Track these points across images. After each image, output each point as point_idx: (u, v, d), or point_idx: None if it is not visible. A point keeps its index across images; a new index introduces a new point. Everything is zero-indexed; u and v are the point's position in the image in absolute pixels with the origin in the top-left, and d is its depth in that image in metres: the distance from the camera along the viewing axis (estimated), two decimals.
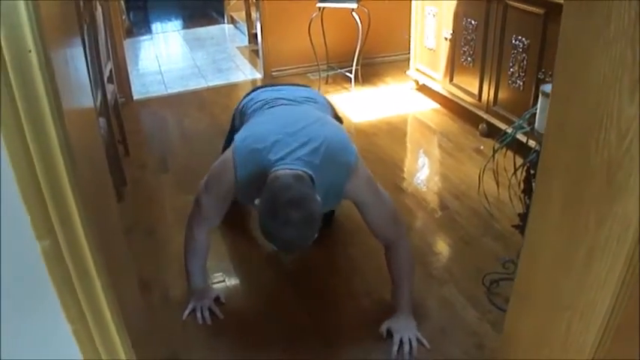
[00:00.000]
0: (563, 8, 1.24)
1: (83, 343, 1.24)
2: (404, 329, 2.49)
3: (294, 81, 5.74)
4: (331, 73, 5.95)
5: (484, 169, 2.87)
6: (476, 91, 4.44)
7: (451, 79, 4.81)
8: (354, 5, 5.23)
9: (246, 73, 6.51)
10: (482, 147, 4.27)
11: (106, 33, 4.08)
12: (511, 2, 3.86)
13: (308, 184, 2.18)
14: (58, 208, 1.08)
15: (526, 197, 2.49)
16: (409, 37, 5.41)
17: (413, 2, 5.24)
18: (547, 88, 2.15)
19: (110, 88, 3.92)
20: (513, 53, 3.91)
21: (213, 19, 9.33)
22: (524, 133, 2.72)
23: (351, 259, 3.09)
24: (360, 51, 5.52)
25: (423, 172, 4.16)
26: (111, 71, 4.14)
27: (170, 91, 6.01)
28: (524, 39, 3.78)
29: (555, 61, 1.30)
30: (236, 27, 8.53)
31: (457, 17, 4.54)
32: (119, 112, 4.26)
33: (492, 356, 2.37)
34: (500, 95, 4.18)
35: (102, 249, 1.21)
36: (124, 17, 8.04)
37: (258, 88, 2.98)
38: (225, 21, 8.93)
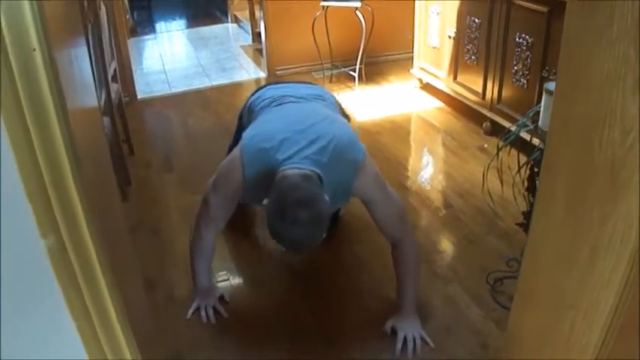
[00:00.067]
0: (567, 7, 1.24)
1: (87, 340, 1.24)
2: (408, 327, 2.49)
3: (296, 80, 5.76)
4: (335, 71, 5.95)
5: (488, 168, 2.87)
6: (480, 90, 4.44)
7: (455, 78, 4.81)
8: (358, 4, 5.23)
9: (250, 72, 6.51)
10: (486, 145, 4.26)
11: (110, 32, 4.08)
12: (515, 0, 3.86)
13: (316, 184, 2.18)
14: (63, 205, 1.08)
15: (530, 195, 2.49)
16: (413, 35, 5.40)
17: (417, 1, 5.23)
18: (551, 86, 2.15)
19: (114, 87, 3.92)
20: (517, 51, 3.90)
21: (216, 18, 9.33)
22: (528, 131, 2.71)
23: (357, 258, 3.09)
24: (363, 49, 5.52)
25: (427, 170, 4.16)
26: (115, 70, 4.14)
27: (174, 90, 6.01)
28: (528, 37, 3.78)
29: (559, 60, 1.30)
30: (240, 26, 8.53)
31: (461, 15, 4.53)
32: (123, 112, 4.26)
33: (496, 355, 2.37)
34: (504, 93, 4.17)
35: (106, 247, 1.21)
36: (127, 17, 8.05)
37: (266, 85, 2.97)
38: (229, 20, 8.94)
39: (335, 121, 2.54)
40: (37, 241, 1.09)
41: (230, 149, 2.80)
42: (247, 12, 7.62)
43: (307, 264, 3.09)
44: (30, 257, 1.11)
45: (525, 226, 2.48)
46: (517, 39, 3.88)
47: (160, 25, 9.44)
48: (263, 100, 2.76)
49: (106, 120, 3.48)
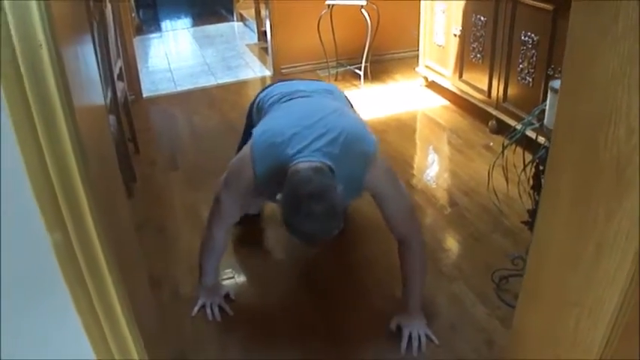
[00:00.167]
0: (572, 5, 1.24)
1: (93, 336, 1.25)
2: (413, 325, 2.49)
3: (304, 78, 5.77)
4: (340, 70, 5.95)
5: (493, 166, 2.87)
6: (485, 88, 4.44)
7: (460, 76, 4.80)
8: (363, 2, 5.23)
9: (255, 70, 6.52)
10: (491, 143, 4.26)
11: (116, 31, 4.09)
12: None
13: (328, 176, 2.18)
14: (69, 202, 1.09)
15: (535, 193, 2.49)
16: (418, 33, 5.40)
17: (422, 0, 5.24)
18: (556, 84, 2.15)
19: (120, 85, 3.93)
20: (523, 49, 3.90)
21: (222, 16, 9.34)
22: (534, 130, 2.71)
23: (362, 256, 3.09)
24: (369, 48, 5.52)
25: (432, 168, 4.16)
26: (121, 69, 4.16)
27: (180, 88, 6.03)
28: (533, 35, 3.77)
29: (564, 58, 1.30)
30: (245, 24, 8.54)
31: (466, 14, 4.53)
32: (129, 110, 4.27)
33: (501, 352, 2.36)
34: (510, 92, 4.17)
35: (112, 243, 1.22)
36: (133, 15, 8.06)
37: (274, 83, 2.97)
38: (235, 19, 8.94)
39: (344, 114, 2.53)
40: (44, 237, 1.10)
41: (239, 148, 2.80)
42: (253, 10, 7.62)
43: (312, 262, 3.09)
44: (36, 253, 1.11)
45: (531, 225, 2.48)
46: (522, 37, 3.87)
47: (166, 24, 9.46)
48: (272, 97, 2.75)
49: (112, 118, 3.49)
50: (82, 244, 1.13)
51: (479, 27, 4.37)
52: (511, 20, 3.98)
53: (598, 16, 1.15)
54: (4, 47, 0.94)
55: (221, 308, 2.71)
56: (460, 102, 4.97)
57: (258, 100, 2.88)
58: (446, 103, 5.15)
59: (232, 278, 2.97)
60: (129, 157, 3.90)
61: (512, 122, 3.91)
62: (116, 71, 3.81)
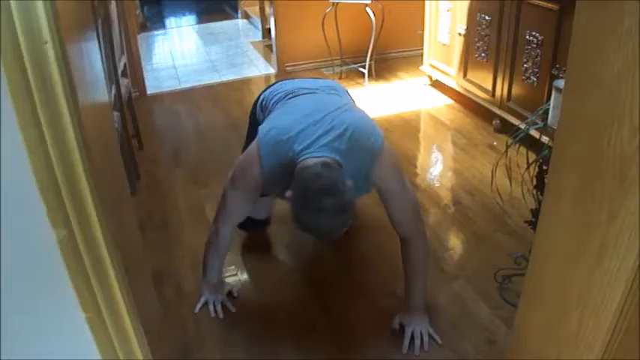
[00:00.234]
0: (577, 3, 1.24)
1: (97, 331, 1.25)
2: (416, 323, 2.49)
3: (308, 76, 5.77)
4: (345, 68, 5.95)
5: (497, 165, 2.87)
6: (489, 87, 4.43)
7: (465, 75, 4.80)
8: (368, 0, 5.23)
9: (259, 68, 6.52)
10: (495, 143, 4.26)
11: (120, 27, 4.10)
12: None
13: (337, 171, 2.18)
14: (74, 199, 1.09)
15: (538, 193, 2.49)
16: (423, 32, 5.39)
17: None
18: (560, 83, 2.14)
19: (124, 82, 3.94)
20: (527, 49, 3.90)
21: (227, 14, 9.34)
22: (538, 129, 2.71)
23: (364, 255, 3.09)
24: (373, 46, 5.52)
25: (436, 167, 4.16)
26: (125, 65, 4.16)
27: (184, 85, 6.03)
28: (538, 34, 3.77)
29: (568, 56, 1.30)
30: (250, 22, 8.54)
31: (471, 13, 4.53)
32: (133, 107, 4.28)
33: (504, 352, 2.36)
34: (514, 91, 4.17)
35: (116, 239, 1.22)
36: (138, 12, 8.07)
37: (277, 82, 2.96)
38: (239, 16, 8.94)
39: (350, 109, 2.53)
40: (49, 233, 1.10)
41: (244, 148, 2.80)
42: (257, 8, 7.63)
43: (315, 260, 3.10)
44: (41, 249, 1.12)
45: (534, 224, 2.48)
46: (527, 36, 3.87)
47: (170, 21, 9.46)
48: (276, 95, 2.74)
49: (116, 115, 3.50)
50: (86, 241, 1.14)
51: (484, 26, 4.36)
52: (516, 19, 3.98)
53: (602, 15, 1.15)
54: (10, 44, 0.95)
55: (224, 305, 2.72)
56: (464, 101, 4.97)
57: (261, 98, 2.87)
58: (450, 102, 5.15)
59: (235, 275, 2.97)
60: (132, 153, 3.91)
61: (516, 122, 3.91)
62: (120, 68, 3.81)
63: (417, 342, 2.45)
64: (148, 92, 5.74)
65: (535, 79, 3.87)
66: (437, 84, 5.44)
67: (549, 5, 3.61)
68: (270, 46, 6.69)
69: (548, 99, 2.45)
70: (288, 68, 6.14)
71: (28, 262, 1.13)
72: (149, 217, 3.49)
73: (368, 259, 3.05)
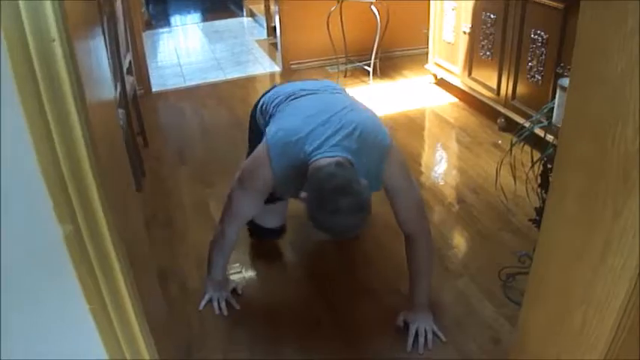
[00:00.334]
0: (580, 3, 1.24)
1: (101, 325, 1.26)
2: (420, 321, 2.49)
3: (312, 75, 5.78)
4: (350, 66, 5.95)
5: (501, 164, 2.87)
6: (494, 86, 4.43)
7: (470, 73, 4.80)
8: None
9: (264, 66, 6.52)
10: (500, 141, 4.26)
11: (126, 25, 4.10)
12: None
13: (350, 169, 2.18)
14: (80, 194, 1.10)
15: (543, 192, 2.49)
16: (428, 30, 5.39)
17: None
18: (565, 82, 2.14)
19: (129, 79, 3.94)
20: (532, 47, 3.90)
21: (232, 12, 9.34)
22: (542, 128, 2.71)
23: (368, 252, 3.10)
24: (378, 44, 5.52)
25: (440, 165, 4.16)
26: (130, 63, 4.17)
27: (189, 83, 6.04)
28: (543, 33, 3.77)
29: (573, 55, 1.30)
30: (255, 20, 8.54)
31: (476, 11, 4.52)
32: (138, 104, 4.29)
33: (507, 350, 2.37)
34: (519, 89, 4.17)
35: (122, 235, 1.23)
36: (143, 10, 8.08)
37: (273, 87, 2.93)
38: (244, 14, 8.94)
39: (356, 108, 2.52)
40: (55, 228, 1.11)
41: (249, 154, 2.81)
42: (262, 6, 7.63)
43: (319, 258, 3.11)
44: (48, 244, 1.12)
45: (538, 223, 2.48)
46: (532, 35, 3.87)
47: (175, 19, 9.46)
48: (277, 98, 2.72)
49: (121, 112, 3.50)
50: (92, 236, 1.14)
51: (488, 24, 4.36)
52: (521, 18, 3.97)
53: (607, 14, 1.15)
54: (18, 41, 0.95)
55: (228, 302, 2.73)
56: (469, 99, 4.96)
57: (261, 103, 2.85)
58: (455, 100, 5.15)
59: (240, 273, 2.98)
60: (138, 151, 3.92)
61: (520, 120, 3.91)
62: (125, 65, 3.82)
63: (421, 340, 2.45)
64: (153, 90, 5.75)
65: (540, 78, 3.87)
66: (442, 82, 5.44)
67: (554, 4, 3.61)
68: (275, 44, 6.69)
69: (553, 97, 2.45)
70: (293, 66, 6.14)
71: (35, 256, 1.14)
72: (154, 215, 3.50)
73: (371, 258, 3.06)
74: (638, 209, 1.14)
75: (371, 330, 2.58)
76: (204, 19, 9.28)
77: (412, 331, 2.47)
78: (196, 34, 8.29)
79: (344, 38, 5.73)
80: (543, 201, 2.45)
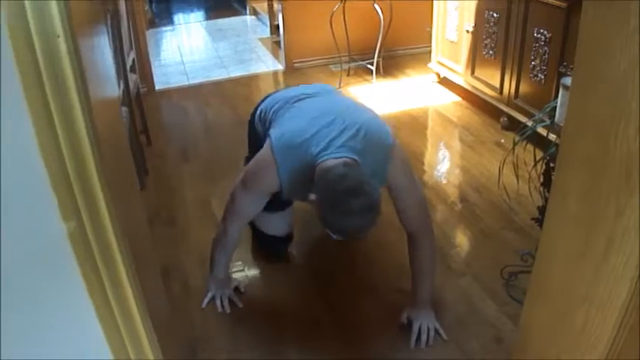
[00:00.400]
0: (583, 3, 1.25)
1: (105, 322, 1.26)
2: (423, 318, 2.50)
3: (315, 73, 5.79)
4: (353, 65, 5.95)
5: (504, 163, 2.87)
6: (497, 84, 4.43)
7: (472, 72, 4.80)
8: None
9: (267, 64, 6.52)
10: (502, 140, 4.26)
11: (129, 23, 4.11)
12: None
13: (359, 169, 2.18)
14: (84, 191, 1.10)
15: (545, 190, 2.49)
16: (431, 29, 5.39)
17: None
18: (568, 81, 2.14)
19: (132, 77, 3.95)
20: (535, 46, 3.89)
21: (235, 10, 9.35)
22: (545, 127, 2.71)
23: (371, 250, 3.10)
24: (381, 43, 5.52)
25: (443, 164, 4.16)
26: (133, 61, 4.17)
27: (192, 81, 6.04)
28: (546, 32, 3.76)
29: (576, 54, 1.30)
30: (258, 18, 8.55)
31: (479, 10, 4.52)
32: (141, 102, 4.29)
33: (510, 348, 2.37)
34: (522, 88, 4.16)
35: (126, 232, 1.23)
36: (146, 8, 8.09)
37: (272, 93, 2.92)
38: (247, 12, 8.95)
39: (357, 109, 2.53)
40: (59, 225, 1.11)
41: (247, 159, 2.81)
42: (265, 4, 7.64)
43: (321, 256, 3.10)
44: (51, 241, 1.13)
45: (540, 221, 2.48)
46: (535, 34, 3.87)
47: (178, 17, 9.48)
48: (275, 104, 2.71)
49: (124, 110, 3.51)
50: (96, 233, 1.15)
51: (491, 23, 4.36)
52: (524, 17, 3.97)
53: (609, 14, 1.15)
54: (23, 37, 0.95)
55: (231, 300, 2.73)
56: (472, 98, 4.96)
57: (259, 111, 2.84)
58: (457, 99, 5.15)
59: (243, 271, 2.98)
60: (141, 149, 3.92)
61: (523, 119, 3.91)
62: (129, 63, 3.82)
63: (424, 337, 2.46)
64: (156, 88, 5.76)
65: (543, 77, 3.87)
66: (444, 81, 5.44)
67: (557, 3, 3.61)
68: (278, 43, 6.69)
69: (556, 96, 2.45)
70: (296, 65, 6.15)
71: (39, 254, 1.14)
72: (157, 213, 3.50)
73: (374, 257, 3.06)
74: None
75: (373, 329, 2.58)
76: (208, 17, 9.30)
77: (415, 329, 2.48)
78: (199, 32, 8.30)
79: (347, 37, 5.73)
80: (546, 200, 2.45)
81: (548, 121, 2.61)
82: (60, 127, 1.03)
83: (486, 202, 3.48)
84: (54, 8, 0.96)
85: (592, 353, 1.39)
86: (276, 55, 6.72)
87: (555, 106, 2.37)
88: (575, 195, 1.38)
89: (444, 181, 3.82)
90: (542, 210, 2.53)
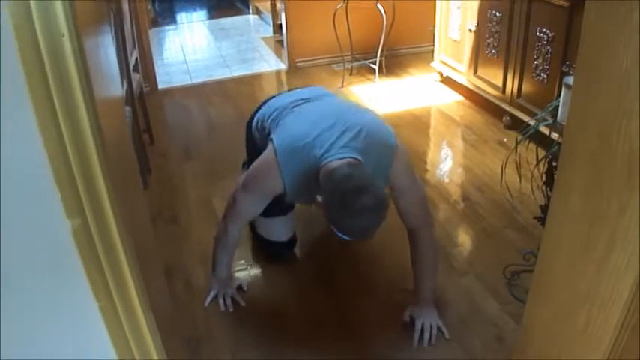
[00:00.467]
0: (585, 1, 1.25)
1: (109, 320, 1.26)
2: (426, 316, 2.50)
3: (318, 72, 5.79)
4: (355, 64, 5.95)
5: (507, 162, 2.88)
6: (500, 84, 4.43)
7: (475, 72, 4.80)
8: None
9: (270, 63, 6.52)
10: (505, 139, 4.26)
11: (132, 22, 4.11)
12: None
13: (363, 169, 2.18)
14: (89, 189, 1.10)
15: (548, 189, 2.49)
16: (434, 28, 5.39)
17: None
18: (570, 80, 2.15)
19: (135, 76, 3.95)
20: (537, 46, 3.89)
21: (238, 9, 9.35)
22: (547, 126, 2.72)
23: (373, 248, 3.09)
24: (384, 42, 5.52)
25: (445, 163, 4.16)
26: (136, 60, 4.18)
27: (195, 80, 6.05)
28: (548, 31, 3.76)
29: (578, 51, 1.31)
30: (261, 17, 8.55)
31: (482, 9, 4.52)
32: (144, 101, 4.29)
33: (511, 347, 2.37)
34: (524, 88, 4.16)
35: (129, 230, 1.23)
36: (149, 7, 8.09)
37: (266, 101, 2.90)
38: (250, 11, 8.95)
39: (358, 111, 2.55)
40: (63, 223, 1.12)
41: (245, 164, 2.81)
42: (268, 4, 7.63)
43: (324, 255, 3.11)
44: (56, 239, 1.13)
45: (543, 220, 2.48)
46: (538, 33, 3.87)
47: (181, 16, 9.48)
48: (272, 112, 2.69)
49: (127, 109, 3.51)
50: (100, 231, 1.15)
51: (494, 23, 4.36)
52: (526, 16, 3.97)
53: (611, 12, 1.15)
54: (28, 36, 0.96)
55: (233, 299, 2.73)
56: (474, 97, 4.96)
57: (255, 120, 2.84)
58: (460, 98, 5.15)
59: (245, 270, 2.99)
60: (144, 148, 3.93)
61: (526, 118, 3.91)
62: (132, 62, 3.83)
63: (427, 335, 2.46)
64: (159, 87, 5.76)
65: (545, 76, 3.87)
66: (447, 80, 5.44)
67: (560, 2, 3.61)
68: (281, 42, 6.70)
69: (559, 96, 2.46)
70: (298, 64, 6.15)
71: (43, 252, 1.14)
72: (160, 212, 3.51)
73: (378, 253, 3.06)
74: None
75: (376, 329, 2.58)
76: (210, 16, 9.30)
77: (418, 327, 2.48)
78: (202, 31, 8.30)
79: (350, 36, 5.73)
80: (548, 199, 2.45)
81: (550, 120, 2.62)
82: (64, 125, 1.03)
83: (489, 201, 3.49)
84: (59, 8, 0.96)
85: (594, 353, 1.39)
86: (278, 55, 6.72)
87: (558, 105, 2.37)
88: (577, 193, 1.38)
89: (447, 180, 3.82)
90: (544, 209, 2.53)
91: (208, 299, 2.73)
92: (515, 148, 2.71)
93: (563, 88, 2.28)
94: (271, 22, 7.64)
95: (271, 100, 2.84)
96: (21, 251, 1.12)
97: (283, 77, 6.10)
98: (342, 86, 5.52)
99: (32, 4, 0.94)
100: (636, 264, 1.20)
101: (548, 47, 3.78)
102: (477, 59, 4.73)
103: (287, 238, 3.00)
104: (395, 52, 6.19)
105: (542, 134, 2.81)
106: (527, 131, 2.70)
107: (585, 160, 1.33)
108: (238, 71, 6.25)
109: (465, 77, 5.00)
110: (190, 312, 2.69)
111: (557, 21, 3.67)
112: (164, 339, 1.47)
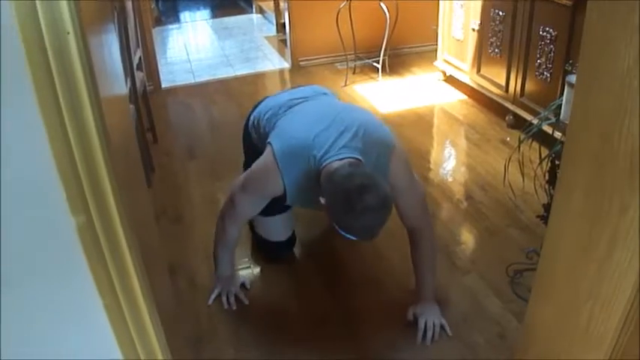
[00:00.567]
0: (588, 0, 1.25)
1: (114, 317, 1.27)
2: (428, 314, 2.50)
3: (322, 71, 5.79)
4: (359, 63, 5.95)
5: (510, 160, 2.88)
6: (503, 83, 4.43)
7: (478, 70, 4.80)
8: None
9: (274, 62, 6.53)
10: (508, 138, 4.26)
11: (136, 21, 4.12)
12: None
13: (364, 167, 2.19)
14: (93, 187, 1.11)
15: (551, 188, 2.49)
16: (437, 27, 5.39)
17: None
18: (573, 79, 2.15)
19: (139, 75, 3.96)
20: (541, 44, 3.89)
21: (241, 8, 9.36)
22: (550, 125, 2.72)
23: (375, 247, 3.09)
24: (387, 41, 5.52)
25: (449, 162, 4.16)
26: (140, 59, 4.18)
27: (198, 79, 6.05)
28: (551, 30, 3.76)
29: (581, 49, 1.31)
30: (264, 17, 8.55)
31: (485, 8, 4.52)
32: (148, 100, 4.30)
33: (514, 346, 2.37)
34: (528, 87, 4.16)
35: (134, 228, 1.24)
36: (152, 6, 8.10)
37: (262, 101, 2.90)
38: (254, 10, 8.96)
39: (354, 110, 2.55)
40: (68, 220, 1.12)
41: (245, 164, 2.81)
42: (272, 3, 7.65)
43: (327, 253, 3.11)
44: (60, 236, 1.14)
45: (546, 219, 2.48)
46: (541, 32, 3.87)
47: (185, 15, 9.48)
48: (268, 111, 2.70)
49: (131, 108, 3.51)
50: (104, 228, 1.16)
51: (497, 22, 4.36)
52: (530, 15, 3.97)
53: (614, 11, 1.16)
54: (33, 33, 0.96)
55: (237, 297, 2.74)
56: (478, 96, 4.96)
57: (252, 119, 2.85)
58: (463, 97, 5.15)
59: (249, 268, 2.99)
60: (147, 146, 3.93)
61: (529, 117, 3.90)
62: (135, 61, 3.83)
63: (429, 334, 2.46)
64: (163, 86, 5.77)
65: (548, 75, 3.87)
66: (450, 79, 5.44)
67: (563, 1, 3.61)
68: (284, 41, 6.70)
69: (562, 94, 2.46)
70: (302, 63, 6.15)
71: (48, 249, 1.15)
72: (163, 211, 3.52)
73: (380, 252, 3.06)
74: None
75: (378, 328, 2.58)
76: (214, 15, 9.30)
77: (421, 325, 2.48)
78: (206, 30, 8.31)
79: (353, 35, 5.73)
80: (551, 197, 2.46)
81: (553, 119, 2.62)
82: (70, 123, 1.04)
83: (492, 199, 3.49)
84: (64, 6, 0.97)
85: (596, 351, 1.39)
86: (282, 54, 6.73)
87: (561, 104, 2.38)
88: (579, 192, 1.38)
89: (450, 179, 3.82)
90: (547, 207, 2.53)
91: (212, 297, 2.74)
92: (519, 146, 2.71)
93: (566, 87, 2.29)
94: (275, 21, 7.65)
95: (267, 100, 2.85)
96: (26, 248, 1.13)
97: (286, 76, 6.10)
98: (345, 85, 5.52)
99: (38, 3, 0.95)
100: (638, 263, 1.20)
101: (552, 46, 3.78)
102: (480, 58, 4.73)
103: (286, 238, 3.00)
104: (398, 51, 6.19)
105: (545, 133, 2.80)
106: (531, 130, 2.70)
107: (587, 159, 1.33)
108: (241, 70, 6.26)
109: (468, 76, 5.00)
110: (194, 309, 2.70)
111: (560, 20, 3.67)
112: (168, 337, 1.48)
